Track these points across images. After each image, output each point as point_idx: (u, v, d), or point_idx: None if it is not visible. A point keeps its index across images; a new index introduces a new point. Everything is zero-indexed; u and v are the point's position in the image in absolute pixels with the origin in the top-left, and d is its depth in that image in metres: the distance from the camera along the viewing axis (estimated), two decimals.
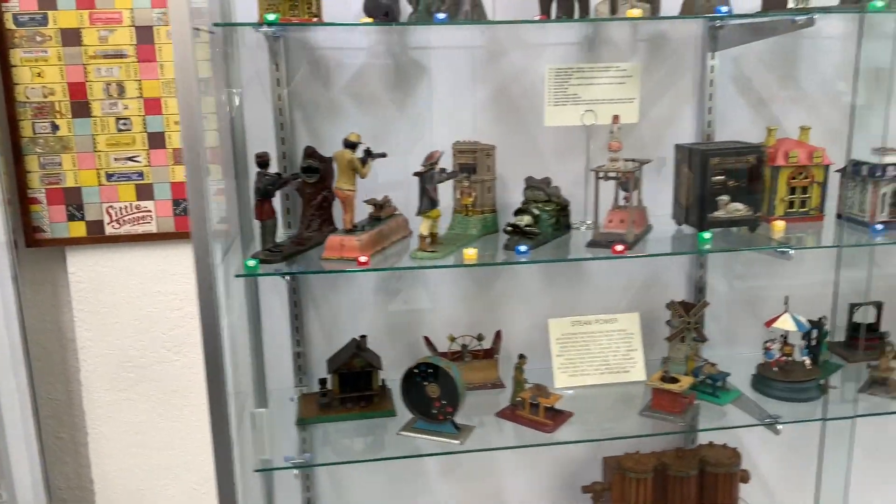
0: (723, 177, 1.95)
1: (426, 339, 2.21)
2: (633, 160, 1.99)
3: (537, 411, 2.01)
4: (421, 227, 1.84)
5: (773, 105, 2.31)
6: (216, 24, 1.86)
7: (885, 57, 2.20)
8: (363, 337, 2.12)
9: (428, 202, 1.82)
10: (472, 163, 2.05)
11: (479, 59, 2.16)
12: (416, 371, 1.92)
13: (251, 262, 1.73)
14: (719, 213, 1.97)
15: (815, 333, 2.23)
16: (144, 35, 2.03)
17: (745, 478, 2.30)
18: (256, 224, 1.89)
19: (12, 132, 2.05)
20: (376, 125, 2.14)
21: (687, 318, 2.21)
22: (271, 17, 1.61)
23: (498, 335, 2.25)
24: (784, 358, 2.12)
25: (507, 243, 1.90)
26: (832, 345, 2.41)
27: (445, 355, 2.20)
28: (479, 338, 2.23)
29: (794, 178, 2.07)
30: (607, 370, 2.22)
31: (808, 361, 2.11)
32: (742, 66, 2.27)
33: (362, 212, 1.96)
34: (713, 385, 2.11)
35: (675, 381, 2.03)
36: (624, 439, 2.11)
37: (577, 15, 1.87)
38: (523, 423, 2.00)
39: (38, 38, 2.02)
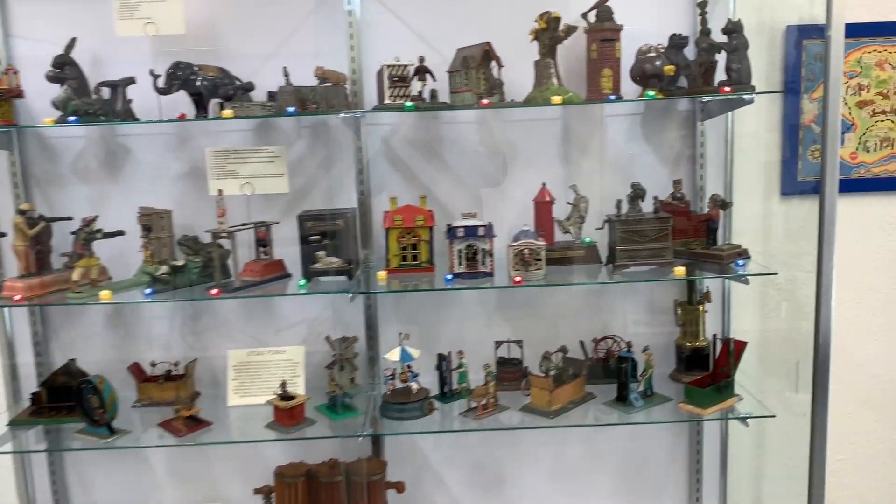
0: (318, 236, 2.46)
1: (135, 364, 2.79)
2: (260, 223, 2.54)
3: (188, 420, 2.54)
4: (73, 273, 2.43)
5: (422, 174, 2.80)
6: None
7: (509, 136, 2.70)
8: (72, 360, 2.71)
9: (76, 255, 2.42)
10: (149, 224, 2.64)
11: (173, 143, 2.77)
12: (82, 386, 2.49)
13: None
14: (318, 265, 2.48)
15: (445, 366, 2.69)
16: None
17: (399, 488, 2.74)
18: None
19: None
20: (93, 194, 2.77)
21: (339, 351, 2.70)
22: None
23: (192, 362, 2.80)
24: (394, 384, 2.57)
25: (147, 287, 2.47)
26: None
27: (149, 379, 2.77)
28: (176, 364, 2.78)
29: (403, 237, 2.56)
30: (272, 392, 2.72)
31: (414, 387, 2.55)
32: (390, 144, 2.78)
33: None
34: (336, 404, 2.58)
35: (290, 398, 2.52)
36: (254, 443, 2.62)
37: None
38: (168, 430, 2.53)
39: None
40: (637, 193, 2.48)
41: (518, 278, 2.40)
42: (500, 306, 2.90)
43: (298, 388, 2.72)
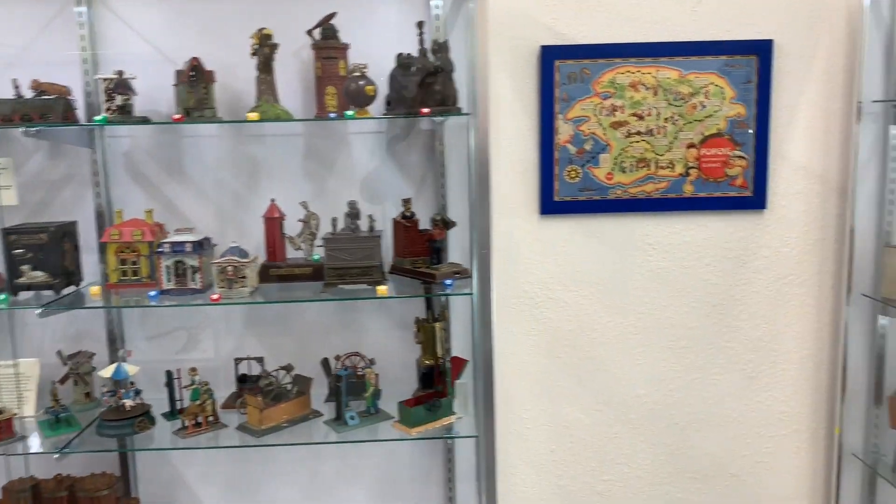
0: (22, 250, 2.44)
1: None
2: None
3: None
4: None
5: (166, 189, 2.78)
6: None
7: (254, 152, 2.68)
8: None
9: None
10: None
11: None
12: None
13: None
14: (22, 280, 2.46)
15: (174, 383, 2.66)
16: None
17: None
18: None
19: None
20: None
21: (70, 365, 2.67)
22: None
23: None
24: (108, 400, 2.54)
25: None
26: (231, 395, 2.80)
27: None
28: None
29: (122, 252, 2.54)
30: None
31: (128, 404, 2.53)
32: (132, 157, 2.76)
33: None
34: (56, 419, 2.55)
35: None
36: None
37: None
38: None
39: None
40: (352, 212, 2.47)
41: (215, 295, 2.38)
42: (250, 323, 2.88)
43: (29, 402, 2.69)
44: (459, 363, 2.51)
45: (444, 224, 2.53)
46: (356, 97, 2.37)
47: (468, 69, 2.59)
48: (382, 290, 2.37)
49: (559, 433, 3.01)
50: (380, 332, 2.88)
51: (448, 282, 2.43)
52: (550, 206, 2.89)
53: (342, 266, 2.43)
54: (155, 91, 2.58)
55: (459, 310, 2.87)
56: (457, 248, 2.76)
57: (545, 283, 2.92)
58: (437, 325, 2.71)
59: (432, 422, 2.48)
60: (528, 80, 2.80)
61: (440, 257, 2.56)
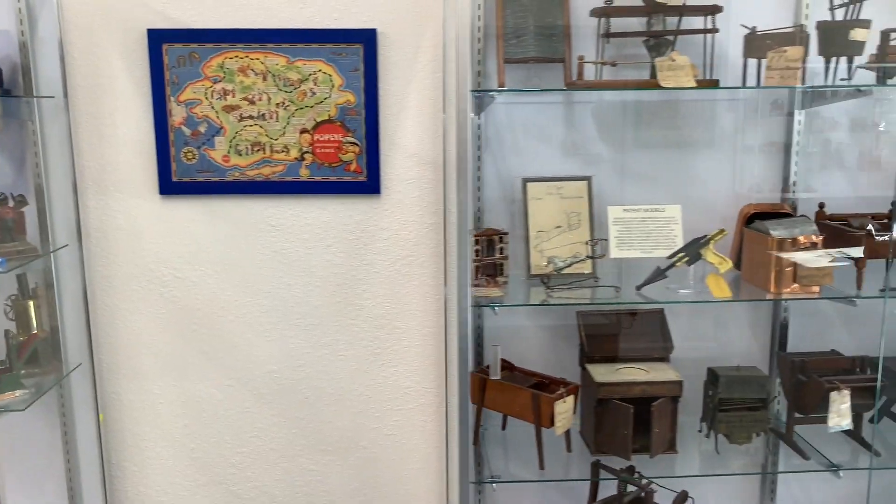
0: None
1: None
2: None
3: None
4: None
5: None
6: None
7: None
8: None
9: None
10: None
11: None
12: None
13: None
14: None
15: None
16: None
17: None
18: None
19: None
20: None
21: None
22: None
23: None
24: None
25: None
26: None
27: None
28: None
29: None
30: None
31: None
32: None
33: None
34: None
35: None
36: None
37: None
38: None
39: None
40: None
41: None
42: None
43: None
44: (32, 339, 2.58)
45: (15, 202, 2.58)
46: None
47: (59, 51, 2.65)
48: None
49: (192, 408, 3.10)
50: None
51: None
52: (169, 186, 2.96)
53: None
54: None
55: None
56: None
57: (171, 262, 3.00)
58: (31, 301, 2.77)
59: None
60: (140, 62, 2.85)
61: (12, 236, 2.61)
